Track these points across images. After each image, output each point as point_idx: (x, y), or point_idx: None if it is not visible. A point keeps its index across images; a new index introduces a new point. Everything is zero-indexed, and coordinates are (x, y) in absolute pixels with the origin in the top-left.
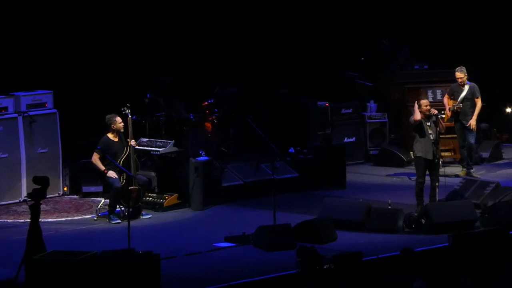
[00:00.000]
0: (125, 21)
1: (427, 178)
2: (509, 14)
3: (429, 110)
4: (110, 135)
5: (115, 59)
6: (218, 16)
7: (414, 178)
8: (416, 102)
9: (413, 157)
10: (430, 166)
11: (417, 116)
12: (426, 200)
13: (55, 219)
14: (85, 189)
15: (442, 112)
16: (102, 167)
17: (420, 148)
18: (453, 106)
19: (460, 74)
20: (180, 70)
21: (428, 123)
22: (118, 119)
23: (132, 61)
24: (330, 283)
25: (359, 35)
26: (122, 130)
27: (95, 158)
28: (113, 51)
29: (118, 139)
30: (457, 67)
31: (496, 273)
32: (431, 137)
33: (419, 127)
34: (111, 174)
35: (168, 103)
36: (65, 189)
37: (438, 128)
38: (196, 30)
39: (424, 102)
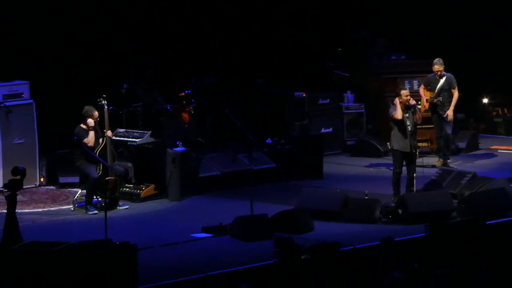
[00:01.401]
0: (103, 12)
1: (404, 168)
2: (484, 5)
3: (408, 101)
4: (84, 126)
5: (92, 50)
6: (195, 7)
7: (391, 168)
8: (397, 97)
9: (390, 147)
10: (407, 157)
11: (399, 114)
12: (403, 190)
13: (31, 210)
14: (62, 179)
15: (419, 102)
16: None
17: (397, 141)
18: (431, 98)
19: (439, 67)
20: (158, 60)
21: (407, 114)
22: (96, 113)
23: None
24: (308, 273)
25: (337, 25)
26: (92, 125)
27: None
28: (90, 41)
29: (91, 130)
30: (433, 57)
31: (473, 263)
32: (409, 129)
33: (398, 120)
34: (90, 122)
35: (146, 94)
36: (42, 179)
37: (415, 119)
38: (174, 21)
39: (404, 92)
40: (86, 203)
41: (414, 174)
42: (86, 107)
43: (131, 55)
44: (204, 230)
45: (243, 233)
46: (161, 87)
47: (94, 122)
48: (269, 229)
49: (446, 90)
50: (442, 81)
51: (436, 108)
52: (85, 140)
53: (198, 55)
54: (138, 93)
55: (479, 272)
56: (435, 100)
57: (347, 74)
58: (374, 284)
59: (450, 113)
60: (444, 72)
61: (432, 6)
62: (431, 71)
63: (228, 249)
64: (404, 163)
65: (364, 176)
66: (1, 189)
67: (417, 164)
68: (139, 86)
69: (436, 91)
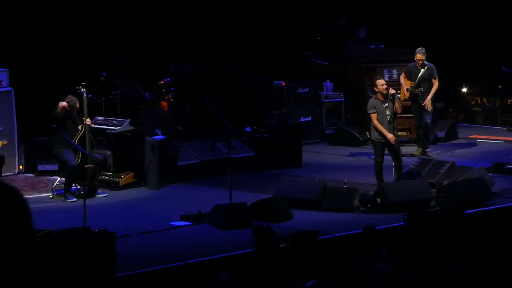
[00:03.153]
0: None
1: (388, 158)
2: None
3: (386, 89)
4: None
5: (71, 38)
6: None
7: (371, 157)
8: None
9: (369, 137)
10: (388, 146)
11: (375, 118)
12: (389, 179)
13: None
14: (41, 167)
15: (398, 91)
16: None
17: (376, 132)
18: (412, 88)
19: (421, 56)
20: (136, 48)
21: (386, 104)
22: (77, 104)
23: (88, 41)
24: (286, 262)
25: (316, 14)
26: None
27: None
28: (69, 30)
29: (72, 118)
30: (413, 46)
31: (451, 252)
32: (388, 118)
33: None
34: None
35: (125, 82)
36: (21, 167)
37: (395, 108)
38: (152, 9)
39: (380, 81)
40: (65, 191)
41: (401, 164)
42: (70, 97)
43: (109, 44)
44: (183, 218)
45: (222, 221)
46: (140, 75)
47: (72, 110)
48: (248, 217)
49: (427, 80)
50: (423, 70)
51: (416, 97)
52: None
53: (177, 43)
54: (116, 82)
55: (457, 261)
56: (416, 90)
57: (326, 63)
58: (352, 273)
59: (428, 102)
60: (425, 62)
61: None
62: (411, 60)
63: (207, 237)
64: (389, 154)
65: (343, 165)
66: None
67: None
68: (117, 74)
69: (416, 80)
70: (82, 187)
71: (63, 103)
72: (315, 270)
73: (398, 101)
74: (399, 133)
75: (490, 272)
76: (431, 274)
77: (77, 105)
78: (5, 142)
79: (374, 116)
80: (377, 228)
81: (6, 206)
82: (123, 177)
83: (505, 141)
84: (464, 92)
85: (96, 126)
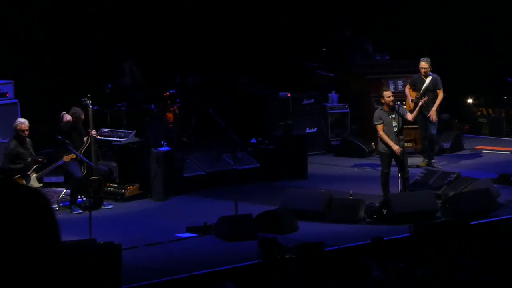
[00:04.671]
0: (87, 11)
1: (394, 169)
2: (469, 5)
3: (392, 101)
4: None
5: (76, 50)
6: (179, 6)
7: (376, 168)
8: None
9: (375, 148)
10: (395, 157)
11: (381, 129)
12: (395, 191)
13: None
14: (46, 179)
15: (403, 102)
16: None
17: (383, 143)
18: (416, 98)
19: (425, 64)
20: (142, 60)
21: (392, 115)
22: (83, 116)
23: (91, 52)
24: (292, 273)
25: (320, 26)
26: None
27: None
28: (75, 42)
29: (77, 130)
30: (418, 57)
31: (456, 263)
32: (395, 130)
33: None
34: (66, 158)
35: (130, 93)
36: None
37: (408, 117)
38: (158, 21)
39: (386, 93)
40: (71, 203)
41: (407, 175)
42: (75, 108)
43: (115, 56)
44: (189, 230)
45: (227, 233)
46: (146, 87)
47: (77, 121)
48: (253, 229)
49: (431, 90)
50: (427, 81)
51: (421, 108)
52: (65, 158)
53: (183, 54)
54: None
55: (462, 272)
56: (420, 101)
57: (331, 74)
58: (358, 284)
59: (433, 113)
60: (430, 73)
61: (417, 6)
62: (416, 72)
63: (212, 249)
64: (396, 165)
65: (348, 176)
66: None
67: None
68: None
69: (421, 91)
70: (88, 199)
71: (68, 117)
72: (320, 282)
73: (407, 113)
74: (405, 144)
75: (491, 284)
76: (435, 285)
77: (82, 117)
78: (73, 156)
79: (380, 127)
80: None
81: (37, 213)
82: (129, 188)
83: (511, 152)
84: (469, 103)
85: (102, 137)
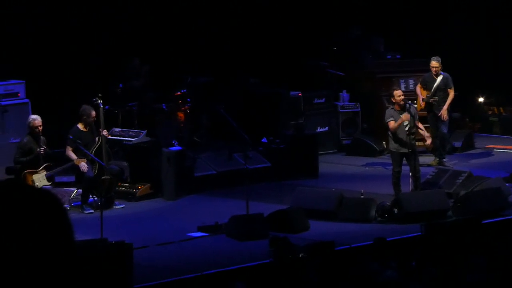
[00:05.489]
0: (98, 11)
1: (405, 168)
2: (480, 4)
3: (403, 100)
4: (80, 126)
5: (87, 49)
6: (190, 6)
7: (387, 167)
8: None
9: (385, 147)
10: (406, 156)
11: (393, 125)
12: (406, 190)
13: None
14: (58, 178)
15: (414, 101)
16: (74, 156)
17: (394, 142)
18: (427, 97)
19: (436, 64)
20: (153, 59)
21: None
22: (93, 113)
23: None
24: (303, 272)
25: (331, 24)
26: (93, 122)
27: (68, 151)
28: (86, 41)
29: (88, 130)
30: (428, 56)
31: (467, 262)
32: (406, 129)
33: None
34: (83, 166)
35: (141, 92)
36: None
37: (414, 117)
38: (169, 20)
39: (397, 92)
40: (82, 202)
41: (418, 174)
42: (84, 106)
43: (125, 55)
44: (200, 229)
45: (238, 232)
46: (156, 87)
47: (90, 123)
48: (265, 228)
49: (442, 89)
50: (438, 80)
51: (432, 107)
52: (66, 152)
53: (194, 54)
54: (134, 91)
55: (474, 271)
56: (431, 99)
57: (342, 74)
58: (368, 284)
59: (444, 112)
60: (441, 72)
61: (427, 5)
62: (427, 71)
63: (224, 248)
64: (407, 164)
65: (359, 175)
66: None
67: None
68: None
69: (432, 90)
70: (99, 199)
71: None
72: (331, 281)
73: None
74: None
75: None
76: (446, 284)
77: (92, 114)
78: (84, 161)
79: (391, 123)
80: (393, 238)
81: (48, 214)
82: (140, 188)
83: None
84: (480, 102)
85: (113, 137)
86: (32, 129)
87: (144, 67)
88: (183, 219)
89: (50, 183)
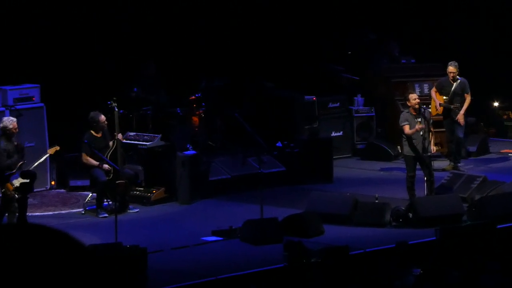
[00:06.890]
0: (113, 15)
1: (419, 172)
2: (495, 9)
3: (418, 104)
4: (92, 132)
5: (102, 53)
6: (205, 10)
7: (402, 172)
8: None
9: (400, 151)
10: (420, 160)
11: (408, 130)
12: (420, 194)
13: (42, 213)
14: (72, 183)
15: (429, 106)
16: (96, 162)
17: (408, 146)
18: (445, 102)
19: (453, 69)
20: (167, 64)
21: (418, 119)
22: (102, 117)
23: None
24: (317, 277)
25: (346, 29)
26: (105, 127)
27: (85, 158)
28: (100, 45)
29: (102, 135)
30: (443, 61)
31: (482, 267)
32: (421, 133)
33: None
34: (106, 167)
35: (154, 96)
36: (53, 183)
37: (428, 121)
38: (185, 25)
39: (412, 96)
40: (97, 206)
41: (433, 178)
42: (92, 113)
43: (139, 59)
44: (214, 233)
45: (253, 236)
46: (171, 91)
47: (102, 127)
48: (279, 232)
49: (459, 94)
50: (455, 85)
51: (449, 112)
52: (83, 160)
53: (209, 58)
54: (147, 96)
55: (489, 275)
56: (452, 106)
57: (357, 78)
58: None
59: (460, 117)
60: (458, 77)
61: (442, 9)
62: (442, 75)
63: (238, 253)
64: (421, 168)
65: (374, 180)
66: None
67: (431, 167)
68: (148, 88)
69: (449, 95)
70: (114, 203)
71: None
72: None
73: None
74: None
75: None
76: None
77: (101, 118)
78: (57, 148)
79: (406, 127)
80: (409, 243)
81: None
82: (155, 192)
83: None
84: (495, 106)
85: (128, 141)
86: (3, 130)
87: (159, 71)
88: (197, 223)
89: (26, 180)
